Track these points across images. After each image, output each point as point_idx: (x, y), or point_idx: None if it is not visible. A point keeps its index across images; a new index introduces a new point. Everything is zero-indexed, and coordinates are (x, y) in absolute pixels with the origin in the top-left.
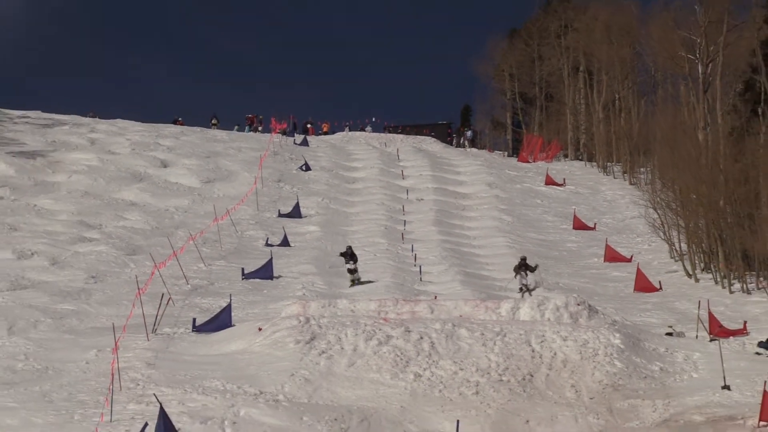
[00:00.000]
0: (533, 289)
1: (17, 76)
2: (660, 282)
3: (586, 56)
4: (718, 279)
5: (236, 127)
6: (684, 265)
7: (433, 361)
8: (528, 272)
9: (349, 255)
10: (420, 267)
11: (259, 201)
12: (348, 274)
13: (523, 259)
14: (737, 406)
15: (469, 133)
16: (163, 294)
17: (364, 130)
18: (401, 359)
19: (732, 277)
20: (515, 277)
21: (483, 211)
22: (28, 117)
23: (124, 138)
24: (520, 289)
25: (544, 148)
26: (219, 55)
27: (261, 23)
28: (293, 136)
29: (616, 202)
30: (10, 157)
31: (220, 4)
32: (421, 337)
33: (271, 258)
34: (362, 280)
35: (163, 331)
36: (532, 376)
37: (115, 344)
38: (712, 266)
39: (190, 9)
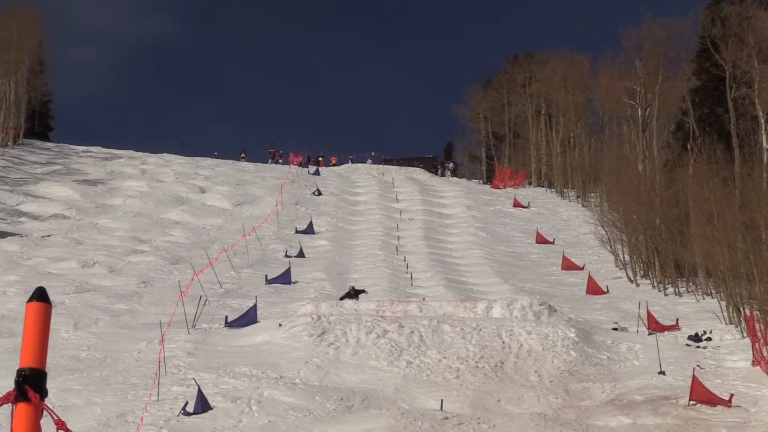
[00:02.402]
0: None
1: (86, 117)
2: (607, 286)
3: (546, 102)
4: (655, 284)
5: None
6: (627, 273)
7: (422, 351)
8: None
9: (353, 294)
10: (411, 274)
11: (280, 220)
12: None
13: None
14: (671, 388)
15: (451, 165)
16: (201, 296)
17: (366, 163)
18: (395, 349)
19: (666, 282)
20: None
21: (462, 229)
22: (91, 152)
23: (169, 169)
24: None
25: (512, 176)
26: (250, 100)
27: (291, 77)
28: (308, 167)
29: (571, 221)
30: (76, 185)
31: (258, 59)
32: (412, 332)
33: (290, 267)
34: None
35: (200, 326)
36: (502, 363)
37: (162, 337)
38: (649, 273)
39: (234, 64)
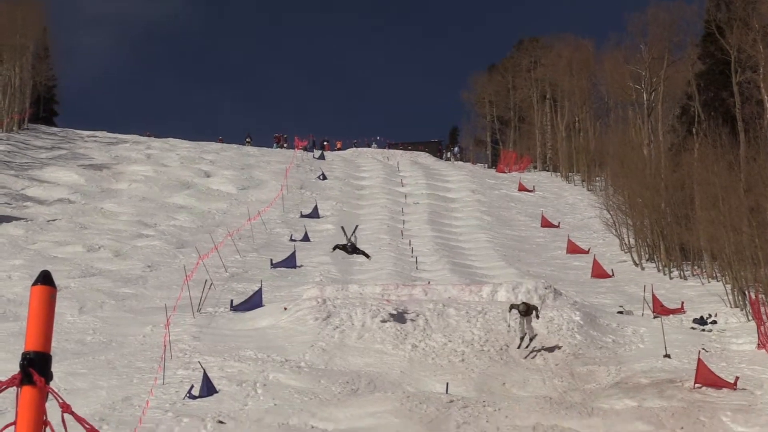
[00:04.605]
0: (533, 338)
1: (94, 101)
2: (612, 270)
3: (551, 86)
4: (660, 267)
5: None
6: (632, 256)
7: (427, 335)
8: (533, 318)
9: (349, 249)
10: (416, 258)
11: (285, 204)
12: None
13: (525, 304)
14: (676, 371)
15: (456, 149)
16: (206, 280)
17: (371, 147)
18: (401, 333)
19: (671, 266)
20: (512, 317)
21: (467, 213)
22: (96, 136)
23: (174, 153)
24: (521, 338)
25: (518, 161)
26: (256, 84)
27: (298, 61)
28: (312, 151)
29: (576, 205)
30: (82, 169)
31: (265, 43)
32: (417, 315)
33: (295, 251)
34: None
35: (206, 310)
36: (507, 346)
37: (167, 321)
38: (655, 257)
39: (240, 48)
